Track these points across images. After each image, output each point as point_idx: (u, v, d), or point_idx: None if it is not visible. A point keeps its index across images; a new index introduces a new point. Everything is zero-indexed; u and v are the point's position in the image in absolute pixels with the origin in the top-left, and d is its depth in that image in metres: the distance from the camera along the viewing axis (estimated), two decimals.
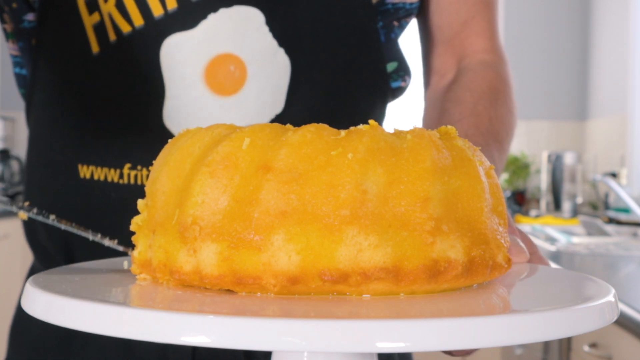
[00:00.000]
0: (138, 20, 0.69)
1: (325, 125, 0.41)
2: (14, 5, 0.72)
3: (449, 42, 0.82)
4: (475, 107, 0.74)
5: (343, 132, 0.40)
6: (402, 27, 0.80)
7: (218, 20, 0.69)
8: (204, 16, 0.69)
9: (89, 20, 0.70)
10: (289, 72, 0.70)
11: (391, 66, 0.78)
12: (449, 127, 0.44)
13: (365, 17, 0.74)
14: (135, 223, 0.47)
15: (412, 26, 0.83)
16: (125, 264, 0.51)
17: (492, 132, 0.72)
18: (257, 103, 0.69)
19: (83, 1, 0.70)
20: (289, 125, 0.43)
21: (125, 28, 0.69)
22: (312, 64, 0.71)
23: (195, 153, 0.43)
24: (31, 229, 0.76)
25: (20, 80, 0.80)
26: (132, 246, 0.52)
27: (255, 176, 0.39)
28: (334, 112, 0.72)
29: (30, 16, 0.73)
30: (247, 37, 0.69)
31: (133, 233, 0.62)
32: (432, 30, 0.82)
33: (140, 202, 0.47)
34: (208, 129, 0.45)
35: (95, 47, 0.70)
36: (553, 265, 1.76)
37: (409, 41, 0.86)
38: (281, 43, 0.70)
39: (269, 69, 0.69)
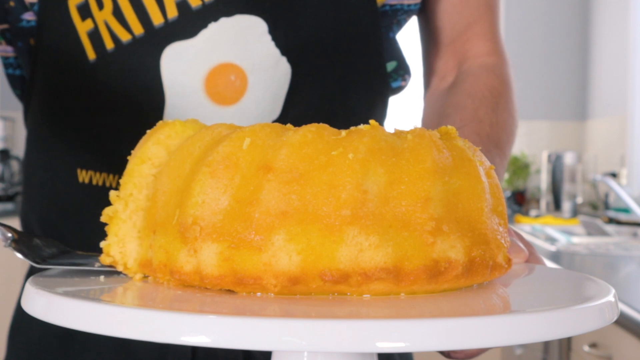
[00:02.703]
0: (138, 29, 0.69)
1: (326, 125, 0.41)
2: (12, 3, 0.72)
3: (451, 44, 0.81)
4: (476, 113, 0.74)
5: (344, 132, 0.40)
6: (400, 25, 0.80)
7: (219, 30, 0.68)
8: (204, 25, 0.68)
9: (82, 27, 0.70)
10: (288, 80, 0.70)
11: (390, 65, 0.78)
12: (450, 127, 0.44)
13: (371, 23, 0.73)
14: (106, 214, 0.48)
15: (411, 24, 0.83)
16: None
17: (493, 139, 0.72)
18: (257, 112, 0.69)
19: (75, 7, 0.70)
20: (289, 125, 0.43)
21: (125, 36, 0.69)
22: (312, 70, 0.71)
23: (195, 153, 0.43)
24: (29, 230, 0.76)
25: (15, 81, 0.79)
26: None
27: (256, 176, 0.39)
28: (332, 114, 0.72)
29: (28, 15, 0.73)
30: (249, 46, 0.69)
31: None
32: (435, 32, 0.82)
33: (112, 193, 0.48)
34: (208, 128, 0.45)
35: (91, 54, 0.70)
36: (553, 265, 1.76)
37: (409, 39, 0.86)
38: (284, 52, 0.69)
39: (270, 78, 0.69)
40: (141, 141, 0.50)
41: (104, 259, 0.47)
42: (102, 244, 0.48)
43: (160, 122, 0.50)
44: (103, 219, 0.48)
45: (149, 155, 0.49)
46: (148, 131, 0.50)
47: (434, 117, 0.78)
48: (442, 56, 0.82)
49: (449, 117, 0.75)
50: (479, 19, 0.80)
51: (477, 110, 0.74)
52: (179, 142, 0.49)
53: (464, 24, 0.80)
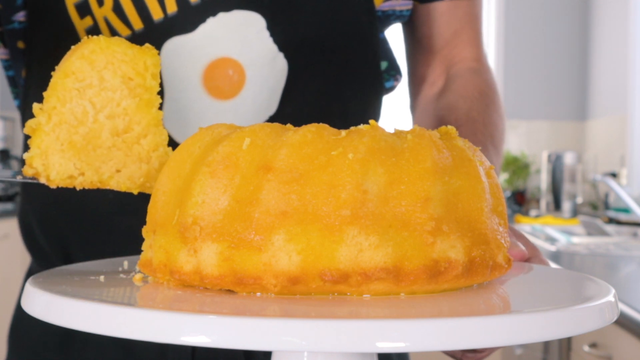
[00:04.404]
0: (137, 24, 0.69)
1: (326, 125, 0.41)
2: None
3: (439, 51, 0.84)
4: (470, 113, 0.76)
5: (343, 132, 0.40)
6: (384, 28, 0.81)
7: (217, 25, 0.69)
8: (202, 20, 0.69)
9: (80, 25, 0.70)
10: (285, 76, 0.70)
11: (382, 65, 0.79)
12: (449, 127, 0.44)
13: (367, 22, 0.74)
14: (29, 126, 0.49)
15: (394, 29, 0.85)
16: (126, 264, 0.51)
17: (487, 137, 0.74)
18: (254, 106, 0.69)
19: (73, 5, 0.70)
20: (289, 125, 0.43)
21: (124, 32, 0.69)
22: (308, 67, 0.72)
23: (195, 153, 0.43)
24: (28, 230, 0.76)
25: (11, 81, 0.80)
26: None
27: (256, 176, 0.39)
28: (327, 110, 0.73)
29: (20, 16, 0.73)
30: (247, 41, 0.69)
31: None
32: (423, 40, 0.84)
33: (35, 106, 0.49)
34: (208, 128, 0.45)
35: None
36: (553, 265, 1.76)
37: (394, 43, 0.88)
38: (281, 48, 0.70)
39: (267, 73, 0.70)
40: (65, 56, 0.51)
41: (27, 170, 0.48)
42: (25, 156, 0.49)
43: (85, 37, 0.51)
44: (26, 130, 0.49)
45: (73, 70, 0.50)
46: (72, 47, 0.51)
47: (428, 121, 0.80)
48: (430, 63, 0.85)
49: (443, 119, 0.77)
50: (465, 27, 0.83)
51: (470, 110, 0.76)
52: (104, 58, 0.50)
53: (452, 32, 0.83)
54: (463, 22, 0.83)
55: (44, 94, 0.50)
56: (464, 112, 0.76)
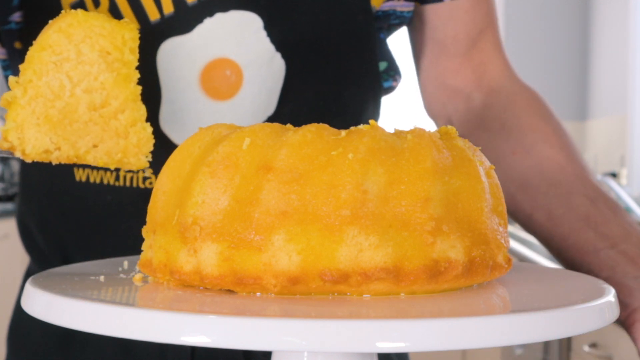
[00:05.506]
0: None
1: (326, 125, 0.41)
2: None
3: (466, 54, 0.80)
4: (561, 134, 0.78)
5: (343, 132, 0.41)
6: (390, 31, 0.80)
7: (214, 25, 0.69)
8: (200, 20, 0.69)
9: None
10: (283, 76, 0.70)
11: (381, 66, 0.78)
12: (449, 127, 0.44)
13: (364, 22, 0.74)
14: (5, 99, 0.48)
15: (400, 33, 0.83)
16: (126, 264, 0.51)
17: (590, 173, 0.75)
18: (252, 107, 0.69)
19: (69, 6, 0.69)
20: (289, 125, 0.43)
21: None
22: (306, 66, 0.72)
23: (195, 153, 0.43)
24: (27, 232, 0.76)
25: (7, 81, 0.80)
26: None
27: (256, 176, 0.39)
28: (325, 110, 0.73)
29: (16, 17, 0.73)
30: (244, 41, 0.69)
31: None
32: (446, 42, 0.80)
33: (11, 79, 0.48)
34: (208, 128, 0.45)
35: None
36: (553, 265, 1.76)
37: (398, 43, 0.86)
38: (278, 48, 0.70)
39: (265, 73, 0.69)
40: (43, 29, 0.51)
41: (2, 143, 0.48)
42: (1, 129, 0.48)
43: (63, 11, 0.51)
44: (2, 103, 0.48)
45: (50, 43, 0.49)
46: (50, 20, 0.51)
47: (487, 135, 0.78)
48: (458, 70, 0.80)
49: (535, 144, 0.76)
50: (489, 25, 0.80)
51: (556, 131, 0.78)
52: (81, 31, 0.49)
53: (478, 30, 0.79)
54: (487, 20, 0.79)
55: (20, 66, 0.50)
56: (555, 138, 0.77)
